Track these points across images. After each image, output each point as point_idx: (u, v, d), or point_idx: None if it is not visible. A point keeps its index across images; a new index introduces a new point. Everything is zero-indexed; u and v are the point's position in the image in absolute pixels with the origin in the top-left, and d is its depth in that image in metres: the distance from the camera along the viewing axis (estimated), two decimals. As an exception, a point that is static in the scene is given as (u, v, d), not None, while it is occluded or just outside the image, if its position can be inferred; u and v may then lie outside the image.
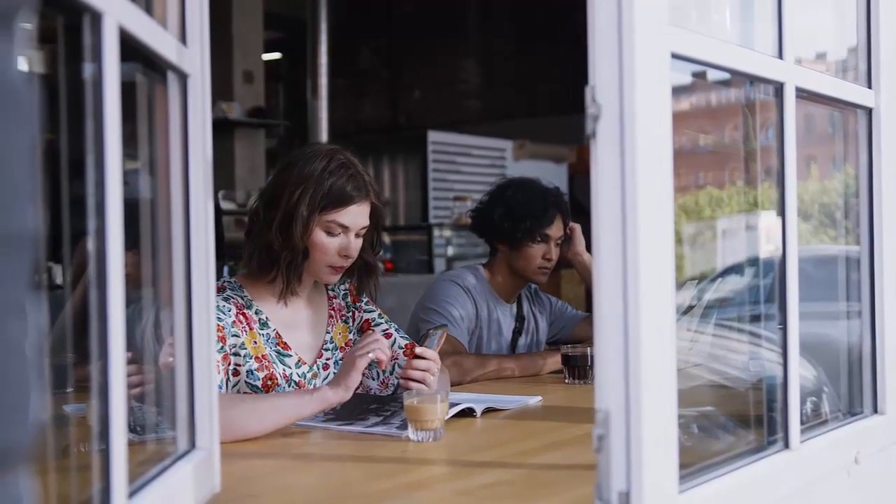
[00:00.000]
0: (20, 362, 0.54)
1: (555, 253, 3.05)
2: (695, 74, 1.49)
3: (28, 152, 0.56)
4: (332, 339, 2.38)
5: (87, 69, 1.03)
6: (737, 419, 1.75)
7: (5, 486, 0.53)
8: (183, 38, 1.36)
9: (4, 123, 0.54)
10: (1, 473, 0.53)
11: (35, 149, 0.58)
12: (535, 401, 2.37)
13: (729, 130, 2.08)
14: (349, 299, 2.45)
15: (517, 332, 3.17)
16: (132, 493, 1.11)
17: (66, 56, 1.06)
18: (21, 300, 0.55)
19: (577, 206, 4.06)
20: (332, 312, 2.41)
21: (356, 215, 2.24)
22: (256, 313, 2.25)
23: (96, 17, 1.01)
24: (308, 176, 2.19)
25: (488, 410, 2.20)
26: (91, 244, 1.03)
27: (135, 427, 1.39)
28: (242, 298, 2.24)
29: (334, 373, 2.32)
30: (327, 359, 2.36)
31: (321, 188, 2.19)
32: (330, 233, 2.22)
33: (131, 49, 1.12)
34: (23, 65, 0.57)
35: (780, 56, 1.53)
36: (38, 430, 0.57)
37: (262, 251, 2.23)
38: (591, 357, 2.67)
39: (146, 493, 1.15)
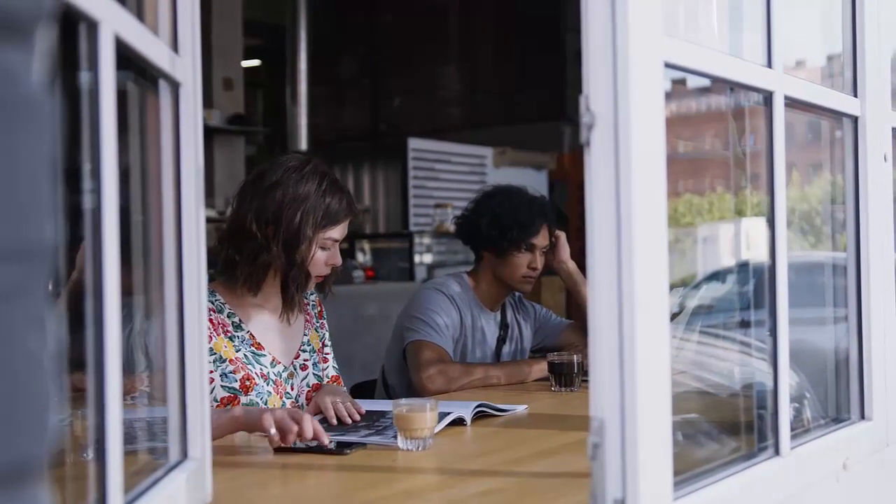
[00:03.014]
0: (39, 375, 0.54)
1: (540, 262, 3.06)
2: (674, 81, 1.50)
3: (47, 164, 0.56)
4: (308, 341, 2.45)
5: (83, 77, 1.03)
6: (724, 426, 1.75)
7: (25, 498, 0.53)
8: (175, 46, 1.36)
9: (24, 135, 0.54)
10: (21, 486, 0.53)
11: (54, 160, 0.57)
12: (521, 409, 2.37)
13: (709, 138, 2.10)
14: (316, 311, 2.53)
15: (501, 340, 3.16)
16: (127, 505, 1.10)
17: (60, 64, 1.06)
18: (40, 312, 0.55)
19: (559, 213, 4.07)
20: (308, 317, 2.48)
21: (345, 228, 2.35)
22: (229, 316, 2.28)
23: (92, 26, 1.00)
24: (305, 197, 2.26)
25: (479, 415, 2.20)
26: (87, 253, 1.02)
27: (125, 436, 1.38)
28: (213, 303, 2.27)
29: (313, 373, 2.42)
30: (305, 360, 2.42)
31: (320, 209, 2.27)
32: (324, 248, 2.31)
33: (124, 57, 1.12)
34: (42, 76, 0.57)
35: (769, 65, 1.54)
36: (55, 444, 0.57)
37: (261, 269, 2.27)
38: (578, 364, 2.67)
39: (140, 504, 1.15)
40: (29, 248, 0.54)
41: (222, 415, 1.97)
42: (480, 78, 9.80)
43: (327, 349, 2.53)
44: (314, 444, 1.89)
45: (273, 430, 1.83)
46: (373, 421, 2.14)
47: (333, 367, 2.53)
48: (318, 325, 2.51)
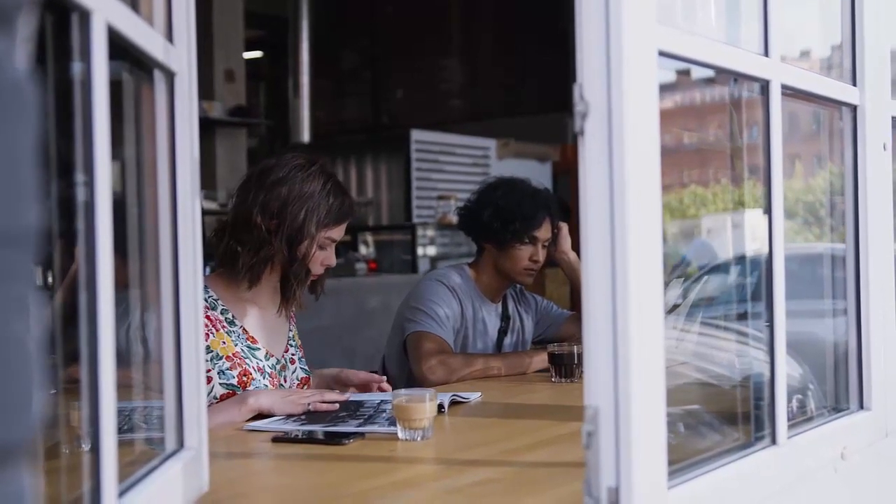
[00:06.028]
0: (23, 359, 0.55)
1: (542, 255, 3.05)
2: (679, 72, 1.50)
3: (31, 150, 0.57)
4: (293, 337, 2.50)
5: (75, 67, 1.03)
6: (724, 416, 1.75)
7: (8, 482, 0.53)
8: (170, 36, 1.36)
9: (8, 121, 0.54)
10: (4, 470, 0.53)
11: (37, 147, 0.58)
12: (475, 397, 2.39)
13: (713, 128, 2.09)
14: (294, 310, 2.55)
15: (503, 332, 3.17)
16: (122, 493, 1.10)
17: (53, 54, 1.06)
18: (24, 297, 0.55)
19: (561, 205, 4.06)
20: (292, 315, 2.52)
21: (343, 230, 2.39)
22: (222, 313, 2.31)
23: (85, 16, 1.00)
24: (310, 195, 2.29)
25: (454, 403, 2.26)
26: (79, 245, 1.02)
27: (121, 427, 1.38)
28: (206, 300, 2.28)
29: (301, 368, 2.47)
30: (292, 354, 2.47)
31: (324, 208, 2.30)
32: (321, 247, 2.34)
33: (118, 47, 1.12)
34: (24, 63, 0.57)
35: (766, 54, 1.54)
36: (40, 426, 0.57)
37: (262, 262, 2.29)
38: (578, 355, 2.67)
39: (135, 493, 1.15)
40: (12, 233, 0.54)
41: (238, 406, 2.10)
42: (483, 69, 9.79)
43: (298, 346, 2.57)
44: (313, 433, 1.91)
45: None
46: (354, 411, 2.15)
47: (303, 368, 2.54)
48: (295, 323, 2.56)
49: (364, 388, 2.45)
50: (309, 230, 2.29)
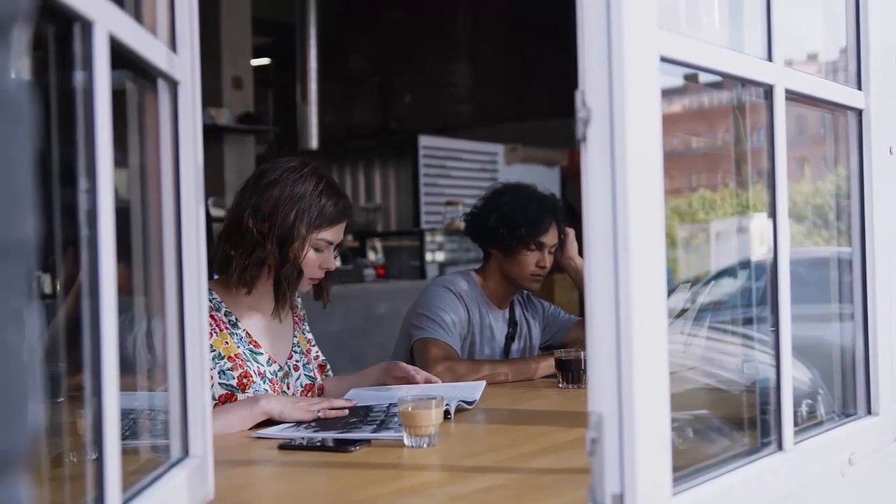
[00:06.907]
0: (19, 369, 0.55)
1: (548, 260, 3.05)
2: (686, 77, 1.50)
3: (27, 161, 0.57)
4: (297, 343, 2.49)
5: (78, 77, 1.03)
6: (731, 421, 1.75)
7: (4, 491, 0.54)
8: (173, 45, 1.36)
9: (3, 132, 0.54)
10: (0, 479, 0.53)
11: (33, 157, 0.58)
12: (480, 389, 2.42)
13: (721, 133, 2.09)
14: (303, 314, 2.57)
15: (510, 338, 3.16)
16: (126, 501, 1.10)
17: (55, 63, 1.06)
18: (20, 308, 0.55)
19: (569, 210, 4.06)
20: (296, 320, 2.52)
21: (341, 231, 2.38)
22: (226, 315, 2.31)
23: (87, 26, 1.01)
24: (301, 196, 2.29)
25: (460, 410, 2.25)
26: (83, 253, 1.02)
27: (125, 434, 1.39)
28: (211, 301, 2.29)
29: (305, 374, 2.46)
30: (296, 361, 2.46)
31: (315, 209, 2.30)
32: (317, 249, 2.34)
33: (121, 56, 1.12)
34: (20, 73, 0.57)
35: (770, 58, 1.54)
36: (35, 436, 0.57)
37: (255, 265, 2.29)
38: (585, 361, 2.66)
39: (140, 501, 1.15)
40: (7, 244, 0.54)
41: (249, 407, 2.10)
42: (490, 74, 9.78)
43: (314, 346, 2.57)
44: (318, 441, 1.91)
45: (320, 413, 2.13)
46: (364, 416, 2.15)
47: (309, 375, 2.53)
48: (304, 327, 2.56)
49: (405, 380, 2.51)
50: (300, 231, 2.28)
